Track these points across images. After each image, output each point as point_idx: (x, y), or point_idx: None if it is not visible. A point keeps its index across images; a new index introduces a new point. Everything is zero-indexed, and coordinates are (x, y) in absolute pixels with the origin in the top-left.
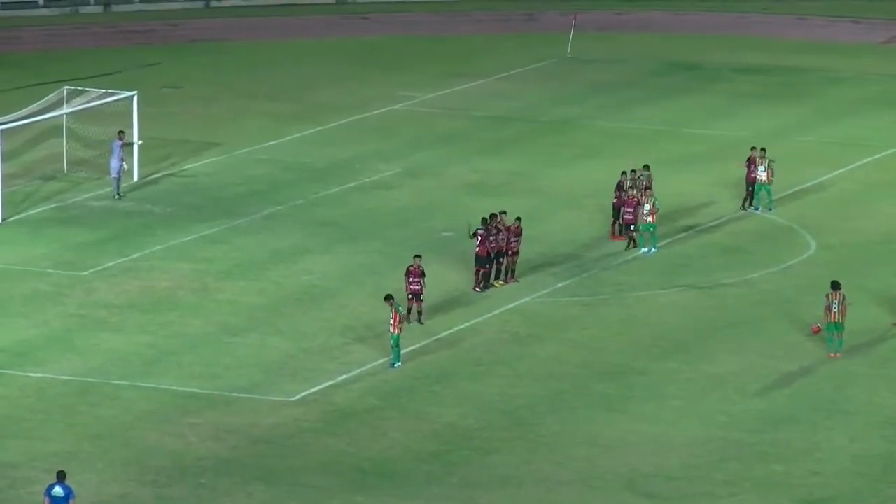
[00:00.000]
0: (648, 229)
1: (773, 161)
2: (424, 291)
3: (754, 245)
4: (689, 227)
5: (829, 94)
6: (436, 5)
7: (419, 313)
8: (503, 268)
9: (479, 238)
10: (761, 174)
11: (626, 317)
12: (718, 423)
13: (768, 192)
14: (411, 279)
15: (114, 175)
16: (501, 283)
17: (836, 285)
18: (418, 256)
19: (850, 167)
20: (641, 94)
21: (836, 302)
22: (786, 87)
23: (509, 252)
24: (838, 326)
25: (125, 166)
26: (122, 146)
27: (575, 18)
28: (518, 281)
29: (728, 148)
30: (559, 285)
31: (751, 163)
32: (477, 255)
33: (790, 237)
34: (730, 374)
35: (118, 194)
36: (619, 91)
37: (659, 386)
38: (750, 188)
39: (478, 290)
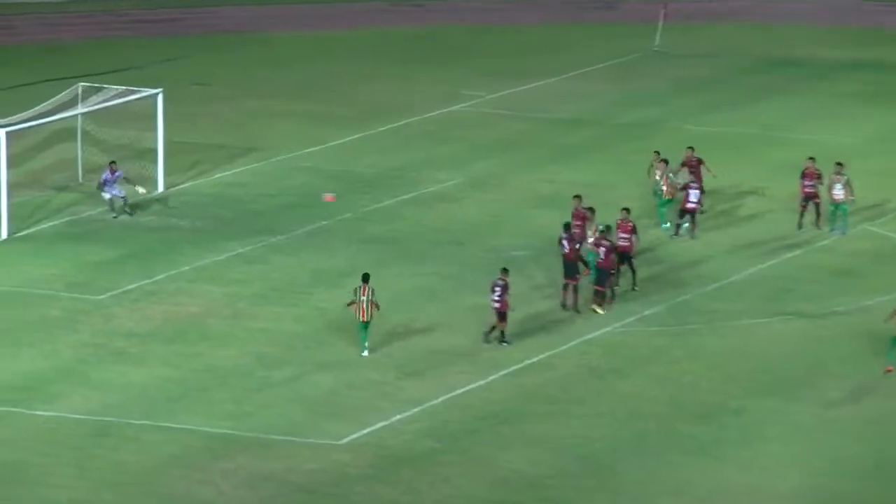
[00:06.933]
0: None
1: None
2: (507, 309)
3: (870, 268)
4: (795, 246)
5: None
6: None
7: (501, 333)
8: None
9: (604, 250)
10: (837, 193)
11: (722, 349)
12: (824, 471)
13: (844, 213)
14: (494, 295)
15: (107, 197)
16: (601, 307)
17: None
18: (505, 270)
19: None
20: (734, 94)
21: None
22: None
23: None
24: None
25: (122, 193)
26: (116, 179)
27: (665, 8)
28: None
29: (835, 156)
30: (645, 312)
31: (804, 177)
32: (599, 267)
33: None
34: (839, 416)
35: (114, 213)
36: (708, 90)
37: (757, 428)
38: (805, 204)
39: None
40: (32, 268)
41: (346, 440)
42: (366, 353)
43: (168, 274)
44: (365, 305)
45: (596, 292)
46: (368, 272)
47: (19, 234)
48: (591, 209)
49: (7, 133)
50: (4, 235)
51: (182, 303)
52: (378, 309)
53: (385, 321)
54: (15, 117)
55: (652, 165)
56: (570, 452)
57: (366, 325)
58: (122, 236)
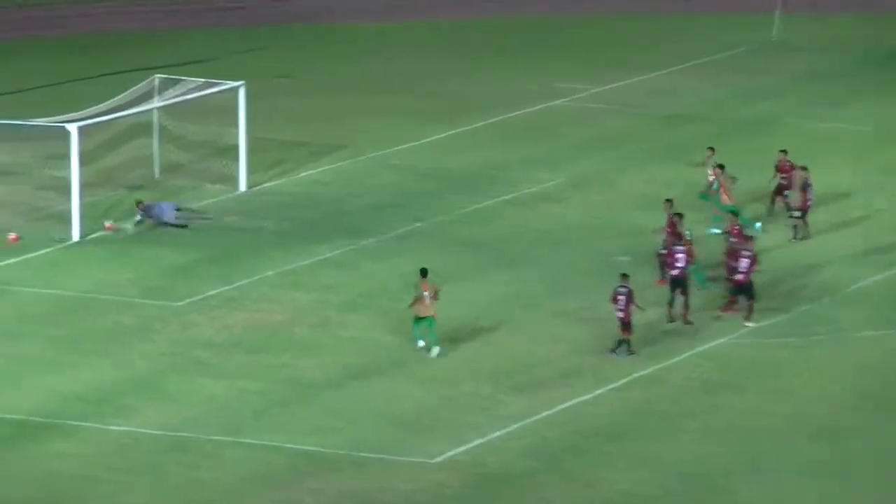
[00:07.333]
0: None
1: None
2: (631, 318)
3: None
4: None
5: None
6: None
7: (626, 343)
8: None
9: (747, 261)
10: None
11: (845, 362)
12: None
13: None
14: (618, 305)
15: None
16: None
17: None
18: (625, 276)
19: None
20: (857, 90)
21: None
22: None
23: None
24: None
25: (170, 217)
26: (150, 211)
27: None
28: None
29: None
30: (763, 322)
31: None
32: (740, 282)
33: None
34: None
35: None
36: (830, 85)
37: (885, 449)
38: None
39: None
40: (105, 272)
41: (440, 458)
42: (422, 342)
43: (251, 279)
44: (428, 301)
45: (730, 303)
46: (426, 267)
47: (92, 237)
48: (680, 214)
49: (79, 128)
50: (76, 237)
51: (265, 310)
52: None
53: (481, 330)
54: (87, 111)
55: (704, 163)
56: (680, 472)
57: (421, 320)
58: (201, 239)
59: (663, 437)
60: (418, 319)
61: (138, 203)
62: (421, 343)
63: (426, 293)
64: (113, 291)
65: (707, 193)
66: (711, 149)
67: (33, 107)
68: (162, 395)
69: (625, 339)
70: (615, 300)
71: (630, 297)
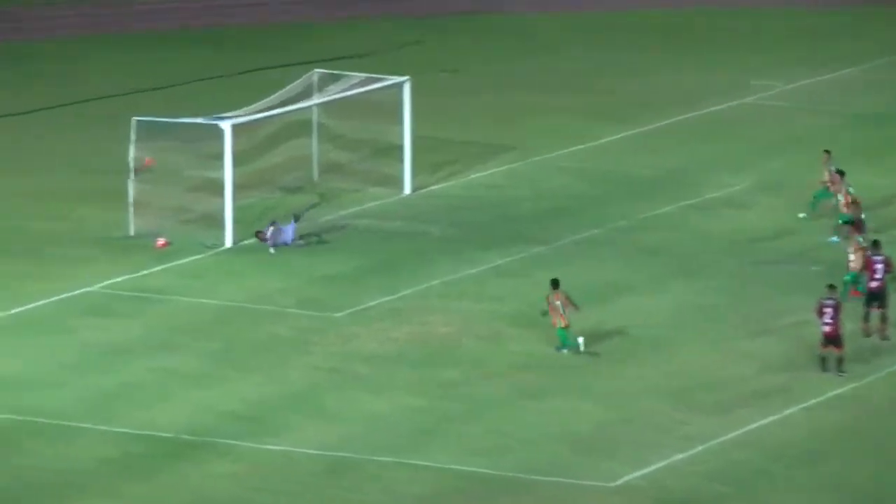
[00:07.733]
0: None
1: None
2: (841, 333)
3: None
4: None
5: None
6: None
7: (839, 361)
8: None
9: None
10: None
11: None
12: None
13: None
14: (824, 318)
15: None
16: None
17: None
18: (832, 287)
19: None
20: None
21: None
22: None
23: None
24: None
25: (290, 237)
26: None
27: None
28: None
29: None
30: None
31: None
32: None
33: None
34: None
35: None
36: None
37: None
38: None
39: None
40: (259, 281)
41: (619, 482)
42: (581, 346)
43: (415, 289)
44: (562, 311)
45: None
46: (557, 278)
47: (245, 243)
48: (851, 222)
49: (233, 126)
50: (229, 243)
51: (431, 322)
52: (577, 309)
53: (661, 343)
54: (242, 109)
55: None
56: (876, 499)
57: (565, 329)
58: (361, 246)
59: (861, 460)
60: (562, 329)
61: (258, 234)
62: (581, 346)
63: (558, 303)
64: (268, 301)
65: (822, 196)
66: (828, 151)
67: (183, 104)
68: (320, 412)
69: (840, 355)
70: (821, 312)
71: (838, 310)
